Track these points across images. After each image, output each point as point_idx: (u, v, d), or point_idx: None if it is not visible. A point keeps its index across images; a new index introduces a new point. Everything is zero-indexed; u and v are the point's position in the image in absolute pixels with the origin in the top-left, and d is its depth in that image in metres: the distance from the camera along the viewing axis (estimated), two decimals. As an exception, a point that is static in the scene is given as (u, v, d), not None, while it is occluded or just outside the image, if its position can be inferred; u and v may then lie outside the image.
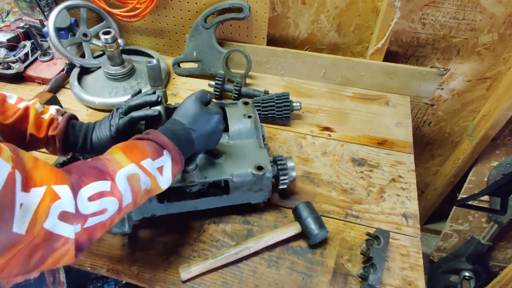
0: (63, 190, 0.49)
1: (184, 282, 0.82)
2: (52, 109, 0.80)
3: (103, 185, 0.55)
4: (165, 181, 0.66)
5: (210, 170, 0.83)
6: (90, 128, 0.83)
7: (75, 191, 0.51)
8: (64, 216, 0.48)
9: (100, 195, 0.54)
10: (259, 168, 0.83)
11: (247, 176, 0.83)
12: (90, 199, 0.53)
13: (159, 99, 0.83)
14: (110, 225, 0.58)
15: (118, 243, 0.89)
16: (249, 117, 0.93)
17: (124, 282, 1.62)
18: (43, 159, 0.53)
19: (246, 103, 0.98)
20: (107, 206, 0.55)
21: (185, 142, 0.71)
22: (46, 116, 0.78)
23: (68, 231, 0.49)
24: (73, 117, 0.83)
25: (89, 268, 0.85)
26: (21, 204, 0.44)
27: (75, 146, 0.81)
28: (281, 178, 0.88)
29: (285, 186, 0.90)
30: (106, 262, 0.86)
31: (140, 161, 0.62)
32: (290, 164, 0.89)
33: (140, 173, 0.61)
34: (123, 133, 0.81)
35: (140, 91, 0.89)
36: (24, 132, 0.76)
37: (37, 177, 0.48)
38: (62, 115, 0.81)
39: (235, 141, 0.91)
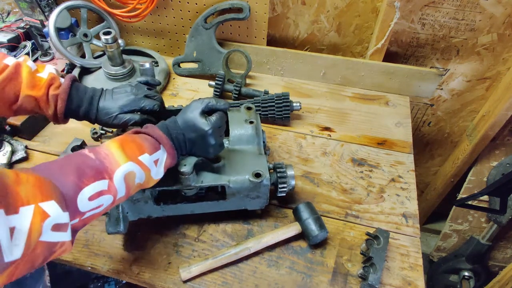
0: (50, 207, 0.48)
1: (185, 282, 0.82)
2: (50, 68, 0.74)
3: (101, 185, 0.57)
4: (158, 173, 0.68)
5: (207, 175, 0.83)
6: (97, 92, 0.78)
7: (70, 197, 0.52)
8: (57, 227, 0.49)
9: (99, 194, 0.57)
10: (257, 175, 0.82)
11: (244, 182, 0.82)
12: (91, 198, 0.55)
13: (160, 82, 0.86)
14: (102, 213, 0.61)
15: (118, 243, 0.89)
16: (251, 122, 0.92)
17: (124, 282, 1.62)
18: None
19: (249, 108, 0.97)
20: (103, 202, 0.58)
21: (177, 140, 0.73)
22: (44, 75, 0.71)
23: (64, 236, 0.51)
24: (76, 80, 0.77)
25: (89, 268, 0.85)
26: (13, 228, 0.43)
27: (78, 111, 0.75)
28: (280, 186, 0.87)
29: (284, 195, 0.90)
30: (107, 262, 0.86)
31: (138, 157, 0.63)
32: (290, 172, 0.88)
33: (136, 170, 0.63)
34: (133, 108, 0.80)
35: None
36: (13, 93, 0.69)
37: (22, 194, 0.46)
38: (61, 77, 0.76)
39: (235, 147, 0.90)
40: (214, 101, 0.76)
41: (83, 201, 0.54)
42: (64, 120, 0.76)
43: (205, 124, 0.74)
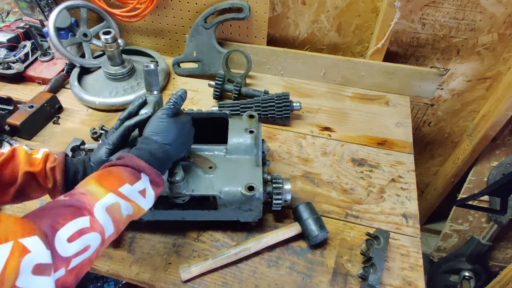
0: (33, 242, 0.45)
1: (184, 282, 0.82)
2: (43, 149, 0.75)
3: (81, 222, 0.52)
4: (147, 203, 0.65)
5: (199, 183, 0.81)
6: (86, 157, 0.77)
7: (49, 239, 0.47)
8: (39, 270, 0.44)
9: (80, 233, 0.52)
10: (250, 188, 0.80)
11: (236, 194, 0.80)
12: (70, 239, 0.50)
13: (145, 100, 0.81)
14: (96, 257, 0.56)
15: (118, 243, 0.89)
16: (251, 132, 0.89)
17: (124, 282, 1.62)
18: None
19: (251, 116, 0.94)
20: (89, 242, 0.53)
21: (163, 159, 0.70)
22: (39, 155, 0.72)
23: (46, 284, 0.45)
24: (67, 154, 0.76)
25: (89, 268, 0.85)
26: None
27: (76, 178, 0.74)
28: (274, 200, 0.85)
29: (278, 209, 0.88)
30: (107, 262, 0.86)
31: (118, 188, 0.60)
32: (286, 186, 0.86)
33: (120, 201, 0.59)
34: (122, 146, 0.77)
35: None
36: (11, 174, 0.69)
37: (0, 233, 0.43)
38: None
39: (232, 156, 0.87)
40: (174, 106, 0.75)
41: (63, 244, 0.49)
42: (64, 191, 0.73)
43: (184, 118, 0.77)
